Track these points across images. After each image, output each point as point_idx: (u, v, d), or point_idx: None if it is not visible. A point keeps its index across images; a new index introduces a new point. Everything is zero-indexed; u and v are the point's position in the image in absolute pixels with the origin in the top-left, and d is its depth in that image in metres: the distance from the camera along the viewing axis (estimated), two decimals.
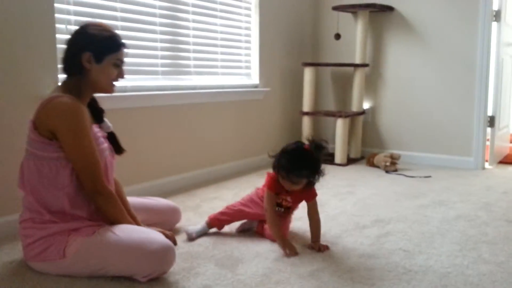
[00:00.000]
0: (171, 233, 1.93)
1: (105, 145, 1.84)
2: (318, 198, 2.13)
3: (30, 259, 1.75)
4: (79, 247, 1.67)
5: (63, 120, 1.65)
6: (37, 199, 1.71)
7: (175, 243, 1.96)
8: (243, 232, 2.22)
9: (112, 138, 1.93)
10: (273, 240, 2.05)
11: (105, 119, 1.91)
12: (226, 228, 2.26)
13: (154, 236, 1.70)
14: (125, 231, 1.70)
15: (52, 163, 1.68)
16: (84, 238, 1.68)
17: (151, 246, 1.65)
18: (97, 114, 1.87)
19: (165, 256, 1.67)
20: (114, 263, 1.66)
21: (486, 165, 3.82)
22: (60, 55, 2.32)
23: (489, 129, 3.79)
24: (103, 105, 1.94)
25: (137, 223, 1.89)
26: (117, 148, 1.94)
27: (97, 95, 1.87)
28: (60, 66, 1.79)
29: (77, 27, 1.78)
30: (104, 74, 1.75)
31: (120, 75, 1.82)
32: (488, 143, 3.84)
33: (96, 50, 1.72)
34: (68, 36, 1.78)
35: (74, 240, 1.68)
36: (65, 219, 1.72)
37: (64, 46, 1.78)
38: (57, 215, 1.71)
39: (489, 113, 3.76)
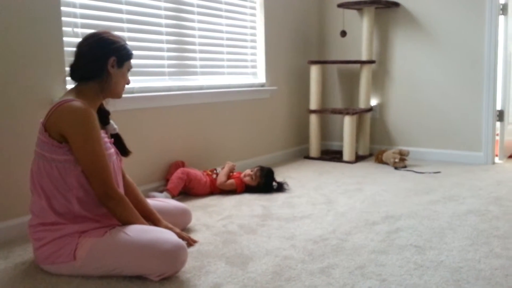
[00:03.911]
0: (187, 235, 2.02)
1: (112, 150, 1.87)
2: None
3: (41, 262, 1.76)
4: (90, 248, 1.68)
5: (74, 125, 1.67)
6: (46, 200, 1.72)
7: (193, 241, 2.02)
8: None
9: (117, 140, 1.95)
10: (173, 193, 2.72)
11: (111, 121, 1.94)
12: (236, 227, 2.26)
13: (166, 235, 1.71)
14: (137, 231, 1.71)
15: (60, 165, 1.70)
16: (95, 239, 1.69)
17: (163, 245, 1.66)
18: (103, 116, 1.90)
19: (177, 255, 1.68)
20: (126, 264, 1.67)
21: (496, 159, 3.79)
22: (69, 59, 2.36)
23: (498, 124, 3.77)
24: (111, 106, 1.96)
25: (156, 220, 1.96)
26: (123, 150, 1.97)
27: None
28: (69, 71, 1.83)
29: (90, 36, 1.81)
30: (122, 78, 1.85)
31: (128, 81, 1.91)
32: (497, 137, 3.81)
33: (119, 55, 1.81)
34: (82, 44, 1.80)
35: (84, 241, 1.69)
36: (74, 220, 1.73)
37: (79, 52, 1.80)
38: (65, 216, 1.73)
39: (498, 107, 3.73)
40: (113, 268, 1.68)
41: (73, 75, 1.81)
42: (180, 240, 1.72)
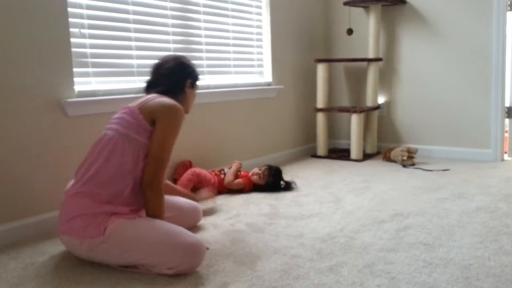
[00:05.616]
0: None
1: None
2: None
3: (66, 233, 1.79)
4: (118, 226, 1.75)
5: (169, 116, 1.87)
6: (106, 172, 1.80)
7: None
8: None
9: None
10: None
11: None
12: (244, 226, 2.26)
13: (188, 232, 1.81)
14: (163, 222, 1.83)
15: (139, 146, 1.83)
16: (125, 220, 1.77)
17: (187, 238, 1.76)
18: None
19: (198, 250, 1.75)
20: (148, 248, 1.72)
21: (505, 156, 3.76)
22: (76, 60, 2.37)
23: (507, 120, 3.74)
24: None
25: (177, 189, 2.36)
26: None
27: None
28: (146, 85, 2.07)
29: (170, 59, 2.09)
30: (193, 97, 2.15)
31: (196, 99, 2.19)
32: (506, 134, 3.78)
33: (194, 78, 2.12)
34: (163, 65, 2.06)
35: (114, 220, 1.76)
36: (116, 202, 1.80)
37: (160, 72, 2.05)
38: (112, 196, 1.80)
39: (507, 104, 3.70)
40: (133, 253, 1.73)
41: (149, 88, 2.04)
42: (202, 240, 1.81)
